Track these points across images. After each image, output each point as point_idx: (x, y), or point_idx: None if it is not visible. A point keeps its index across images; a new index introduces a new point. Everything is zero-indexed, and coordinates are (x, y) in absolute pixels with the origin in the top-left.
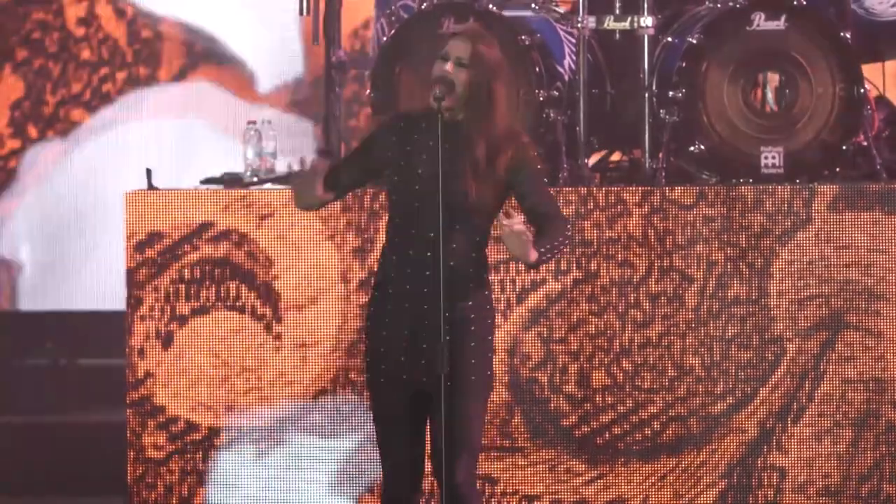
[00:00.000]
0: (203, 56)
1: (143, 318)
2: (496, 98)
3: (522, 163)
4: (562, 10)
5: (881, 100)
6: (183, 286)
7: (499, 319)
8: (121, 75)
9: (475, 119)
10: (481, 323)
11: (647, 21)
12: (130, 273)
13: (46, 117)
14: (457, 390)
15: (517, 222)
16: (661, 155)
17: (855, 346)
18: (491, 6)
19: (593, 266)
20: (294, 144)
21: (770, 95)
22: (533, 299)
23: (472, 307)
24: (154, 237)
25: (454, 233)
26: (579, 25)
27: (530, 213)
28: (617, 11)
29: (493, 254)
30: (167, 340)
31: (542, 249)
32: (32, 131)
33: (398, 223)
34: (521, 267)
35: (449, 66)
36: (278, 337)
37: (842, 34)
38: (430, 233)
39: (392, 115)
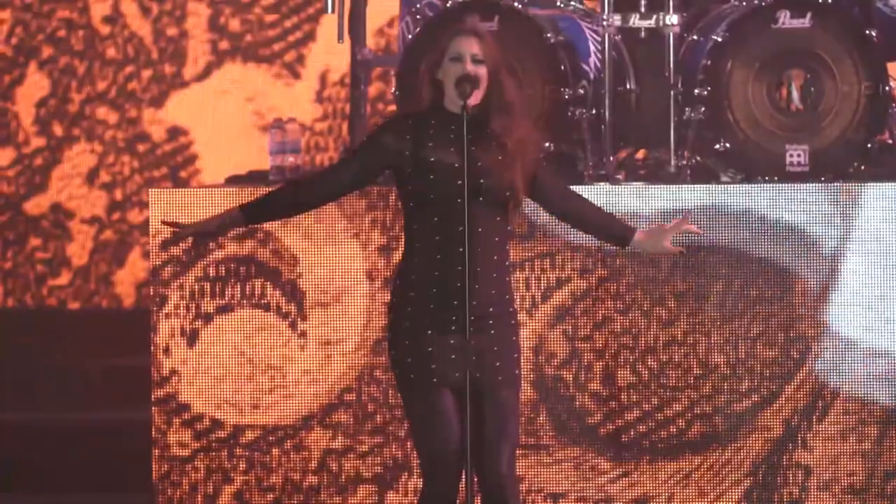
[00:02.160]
0: (228, 54)
1: (168, 315)
2: (510, 88)
3: (537, 157)
4: (587, 8)
5: None
6: (208, 284)
7: (524, 317)
8: (146, 73)
9: (500, 111)
10: (515, 315)
11: (673, 19)
12: (155, 271)
13: (72, 115)
14: (504, 383)
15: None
16: (685, 153)
17: None
18: (516, 4)
19: (618, 263)
20: (320, 142)
21: (795, 93)
22: (558, 297)
23: (508, 299)
24: (179, 235)
25: (494, 226)
26: (605, 23)
27: (562, 202)
28: (642, 9)
29: (519, 252)
30: (192, 338)
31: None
32: (58, 129)
33: (437, 221)
34: (546, 265)
35: (469, 66)
36: (303, 335)
37: (867, 32)
38: (477, 228)
39: (395, 116)
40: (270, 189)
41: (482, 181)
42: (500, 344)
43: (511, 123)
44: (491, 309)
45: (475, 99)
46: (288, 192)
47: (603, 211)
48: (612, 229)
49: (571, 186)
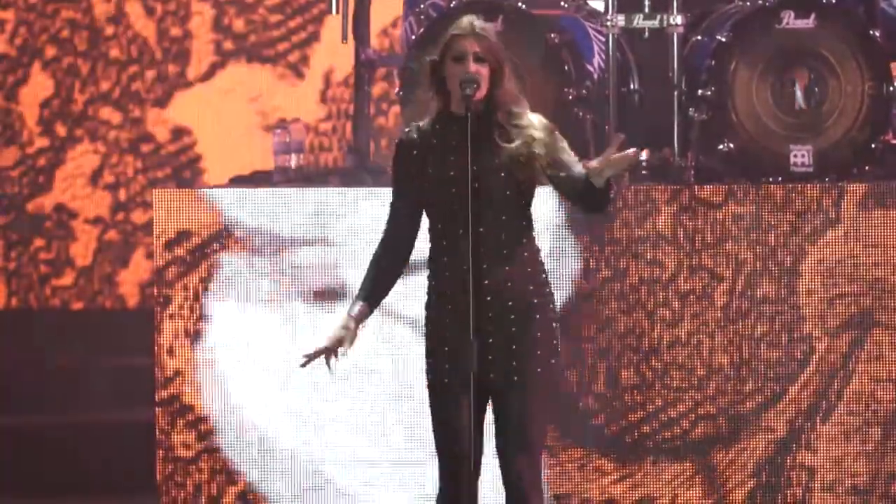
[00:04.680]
0: (232, 54)
1: (171, 316)
2: (512, 84)
3: (551, 140)
4: (591, 8)
5: None
6: (212, 285)
7: None
8: (150, 73)
9: (500, 109)
10: (544, 309)
11: (677, 19)
12: (159, 271)
13: (75, 115)
14: (520, 385)
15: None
16: (690, 153)
17: (884, 345)
18: (520, 4)
19: (622, 264)
20: (324, 143)
21: (799, 93)
22: (562, 298)
23: (533, 293)
24: (183, 235)
25: (500, 225)
26: (609, 24)
27: (576, 181)
28: (646, 9)
29: None
30: (196, 339)
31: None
32: (61, 130)
33: (440, 228)
34: (549, 266)
35: (471, 65)
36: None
37: (871, 32)
38: (478, 229)
39: (399, 141)
40: (371, 269)
41: (476, 185)
42: (519, 342)
43: (515, 121)
44: (511, 303)
45: (476, 97)
46: (382, 268)
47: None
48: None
49: None
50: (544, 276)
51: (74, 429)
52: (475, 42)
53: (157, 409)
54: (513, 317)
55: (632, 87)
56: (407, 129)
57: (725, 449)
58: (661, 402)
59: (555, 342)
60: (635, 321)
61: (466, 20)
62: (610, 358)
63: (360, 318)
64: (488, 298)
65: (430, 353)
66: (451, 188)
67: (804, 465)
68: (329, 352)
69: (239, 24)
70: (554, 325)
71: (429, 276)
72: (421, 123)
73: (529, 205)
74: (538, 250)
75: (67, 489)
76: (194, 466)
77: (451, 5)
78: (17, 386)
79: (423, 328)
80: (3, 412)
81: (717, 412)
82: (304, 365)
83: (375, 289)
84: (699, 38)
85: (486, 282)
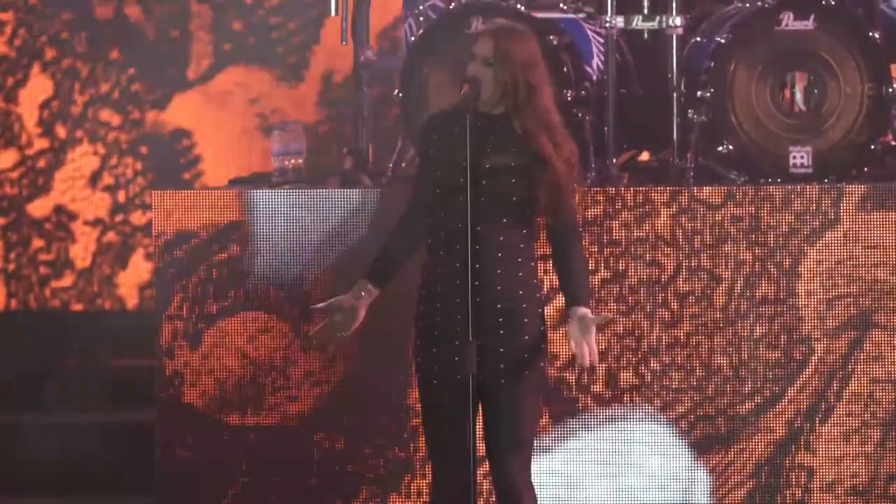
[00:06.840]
0: (231, 56)
1: (171, 317)
2: (531, 92)
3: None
4: (590, 9)
5: None
6: (211, 286)
7: None
8: (149, 75)
9: (513, 113)
10: (533, 313)
11: (676, 20)
12: (158, 273)
13: (75, 117)
14: (509, 386)
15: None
16: (689, 155)
17: (883, 346)
18: (519, 6)
19: (621, 266)
20: (322, 145)
21: (798, 95)
22: (561, 299)
23: (522, 297)
24: (182, 237)
25: (501, 226)
26: (607, 25)
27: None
28: (645, 11)
29: None
30: (195, 340)
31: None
32: (61, 131)
33: (443, 217)
34: (549, 267)
35: (473, 67)
36: (306, 336)
37: (870, 34)
38: (476, 226)
39: (431, 116)
40: (383, 248)
41: (485, 182)
42: (507, 344)
43: (528, 125)
44: (499, 306)
45: (477, 100)
46: (400, 241)
47: (568, 264)
48: (564, 286)
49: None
50: (535, 280)
51: (74, 429)
52: (491, 44)
53: (156, 409)
54: (501, 319)
55: (631, 88)
56: (437, 112)
57: (724, 450)
58: (660, 403)
59: (543, 345)
60: (634, 322)
61: (491, 21)
62: (609, 359)
63: (368, 302)
64: (477, 299)
65: (419, 352)
66: (460, 178)
67: (803, 465)
68: (331, 334)
69: (238, 26)
70: (541, 328)
71: (422, 269)
72: (449, 110)
73: (536, 214)
74: (534, 256)
75: (67, 489)
76: (193, 467)
77: (451, 7)
78: (17, 386)
79: (414, 322)
80: (3, 412)
81: (715, 413)
82: (308, 349)
83: (387, 268)
84: (698, 39)
85: (477, 283)
